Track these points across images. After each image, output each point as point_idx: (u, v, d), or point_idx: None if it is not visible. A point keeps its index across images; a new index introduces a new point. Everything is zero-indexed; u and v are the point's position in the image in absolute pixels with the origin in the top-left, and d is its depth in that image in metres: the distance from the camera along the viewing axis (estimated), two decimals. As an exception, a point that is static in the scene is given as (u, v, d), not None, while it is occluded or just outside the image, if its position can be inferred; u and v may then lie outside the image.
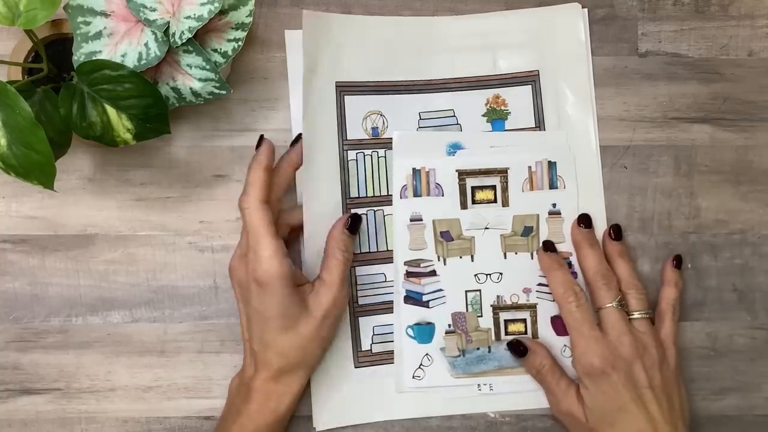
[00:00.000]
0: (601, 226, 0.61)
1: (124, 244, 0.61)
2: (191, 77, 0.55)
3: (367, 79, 0.60)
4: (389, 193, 0.60)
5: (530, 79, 0.62)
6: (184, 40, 0.52)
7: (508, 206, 0.59)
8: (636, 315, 0.56)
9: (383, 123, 0.60)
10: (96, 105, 0.52)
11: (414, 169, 0.59)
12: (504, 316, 0.59)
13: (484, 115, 0.61)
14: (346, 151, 0.60)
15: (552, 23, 0.62)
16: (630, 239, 0.61)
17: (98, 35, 0.53)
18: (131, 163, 0.61)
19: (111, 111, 0.52)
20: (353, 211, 0.59)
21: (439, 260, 0.59)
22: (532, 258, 0.59)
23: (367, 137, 0.60)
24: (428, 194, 0.59)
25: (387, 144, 0.60)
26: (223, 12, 0.55)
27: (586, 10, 0.62)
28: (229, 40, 0.55)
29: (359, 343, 0.60)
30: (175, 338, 0.60)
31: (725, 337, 0.61)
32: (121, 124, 0.53)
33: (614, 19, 0.62)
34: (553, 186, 0.59)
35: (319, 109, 0.59)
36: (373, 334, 0.60)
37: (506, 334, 0.59)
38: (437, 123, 0.61)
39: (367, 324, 0.60)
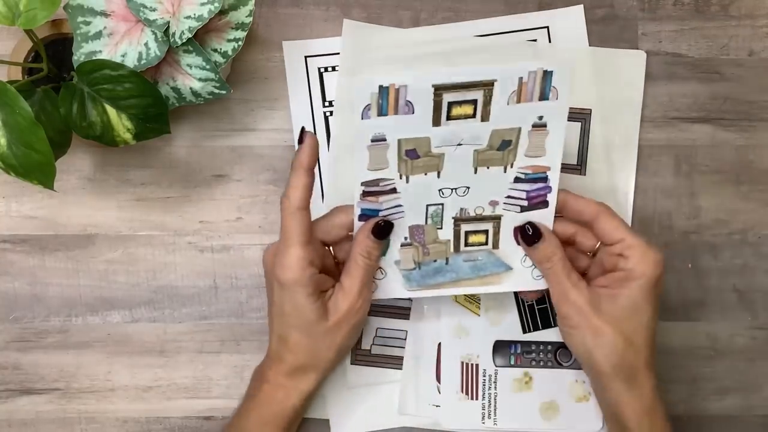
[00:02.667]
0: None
1: (124, 244, 0.61)
2: (191, 77, 0.55)
3: None
4: None
5: (581, 116, 0.61)
6: (184, 40, 0.52)
7: (487, 121, 0.52)
8: None
9: None
10: (96, 105, 0.52)
11: (381, 86, 0.50)
12: (465, 227, 0.56)
13: None
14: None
15: (615, 65, 0.61)
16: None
17: (98, 35, 0.53)
18: (131, 163, 0.61)
19: (111, 111, 0.52)
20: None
21: (401, 178, 0.53)
22: (505, 171, 0.54)
23: None
24: (396, 112, 0.51)
25: None
26: (223, 12, 0.55)
27: (645, 55, 0.62)
28: (229, 40, 0.55)
29: (359, 342, 0.60)
30: (174, 338, 0.60)
31: (725, 337, 0.61)
32: (121, 123, 0.53)
33: (614, 19, 0.62)
34: (544, 97, 0.52)
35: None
36: (375, 336, 0.60)
37: (466, 245, 0.56)
38: None
39: (370, 324, 0.60)
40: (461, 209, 0.55)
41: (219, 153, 0.61)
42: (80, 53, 0.53)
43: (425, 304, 0.60)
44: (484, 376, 0.60)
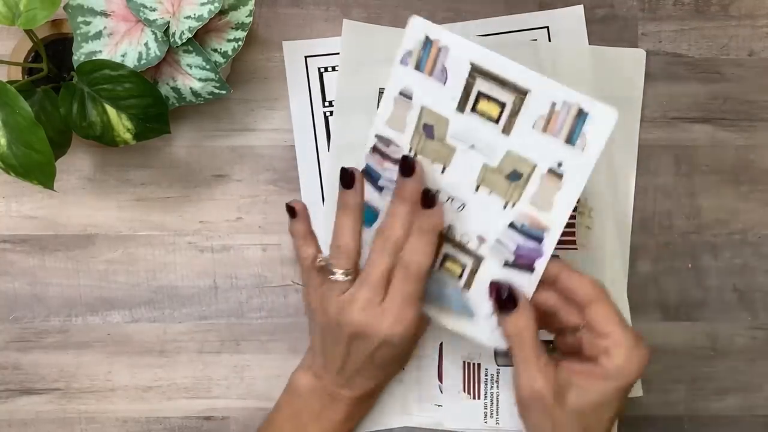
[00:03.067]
0: (620, 277, 0.60)
1: (124, 244, 0.61)
2: (191, 77, 0.55)
3: None
4: None
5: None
6: (184, 40, 0.52)
7: (507, 135, 0.49)
8: None
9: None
10: (96, 105, 0.52)
11: (428, 37, 0.50)
12: (447, 249, 0.52)
13: None
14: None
15: (614, 65, 0.61)
16: (631, 239, 0.61)
17: (98, 35, 0.53)
18: (131, 163, 0.61)
19: (111, 111, 0.52)
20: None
21: (410, 151, 0.52)
22: (504, 208, 0.50)
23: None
24: (431, 74, 0.50)
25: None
26: (223, 12, 0.55)
27: (645, 54, 0.62)
28: (229, 40, 0.55)
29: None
30: (174, 338, 0.60)
31: (725, 337, 0.61)
32: (121, 124, 0.53)
33: (614, 19, 0.62)
34: (570, 140, 0.48)
35: (357, 107, 0.60)
36: None
37: (440, 266, 0.53)
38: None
39: None
40: (450, 226, 0.52)
41: (219, 153, 0.61)
42: (80, 53, 0.53)
43: None
44: (486, 375, 0.60)
